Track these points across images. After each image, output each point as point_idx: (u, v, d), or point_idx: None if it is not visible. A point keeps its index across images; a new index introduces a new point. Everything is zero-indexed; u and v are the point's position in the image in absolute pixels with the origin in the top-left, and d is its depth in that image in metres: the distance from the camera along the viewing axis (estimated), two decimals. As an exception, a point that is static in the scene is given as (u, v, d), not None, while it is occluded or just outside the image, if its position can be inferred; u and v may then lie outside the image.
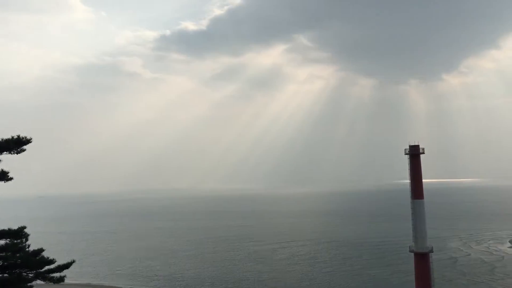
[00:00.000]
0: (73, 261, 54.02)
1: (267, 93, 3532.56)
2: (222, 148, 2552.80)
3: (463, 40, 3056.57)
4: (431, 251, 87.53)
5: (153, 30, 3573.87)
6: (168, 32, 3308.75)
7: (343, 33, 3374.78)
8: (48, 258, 50.99)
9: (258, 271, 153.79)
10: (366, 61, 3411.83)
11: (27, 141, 49.29)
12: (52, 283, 52.07)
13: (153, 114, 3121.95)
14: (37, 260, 50.54)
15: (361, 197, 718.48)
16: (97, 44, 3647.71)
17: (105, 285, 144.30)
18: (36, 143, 52.75)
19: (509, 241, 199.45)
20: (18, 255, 49.85)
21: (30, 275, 50.87)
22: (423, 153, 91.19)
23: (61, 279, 51.40)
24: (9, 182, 50.50)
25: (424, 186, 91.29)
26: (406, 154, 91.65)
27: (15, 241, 50.48)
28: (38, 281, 52.07)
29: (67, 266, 52.65)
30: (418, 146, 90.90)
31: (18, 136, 48.67)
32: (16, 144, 48.71)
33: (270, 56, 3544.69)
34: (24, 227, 51.42)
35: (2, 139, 47.95)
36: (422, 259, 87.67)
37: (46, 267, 51.10)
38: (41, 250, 52.22)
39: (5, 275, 49.64)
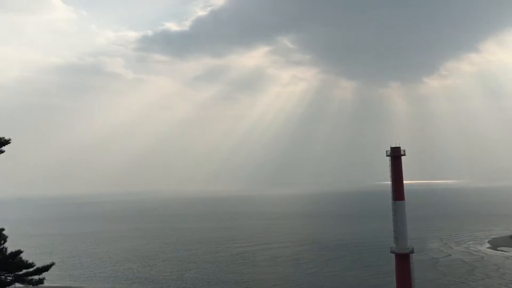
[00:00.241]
0: (53, 264, 53.35)
1: (251, 94, 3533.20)
2: (205, 149, 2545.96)
3: (443, 43, 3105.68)
4: (412, 251, 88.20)
5: (135, 31, 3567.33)
6: (150, 33, 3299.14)
7: (324, 36, 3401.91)
8: (27, 260, 50.27)
9: (240, 273, 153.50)
10: (347, 64, 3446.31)
11: (6, 142, 48.56)
12: (31, 285, 51.30)
13: (135, 115, 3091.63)
14: (15, 262, 49.73)
15: (342, 198, 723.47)
16: (78, 44, 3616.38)
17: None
18: (16, 144, 51.95)
19: (488, 242, 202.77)
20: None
21: (9, 278, 50.04)
22: (404, 154, 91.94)
23: (40, 281, 50.72)
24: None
25: (405, 188, 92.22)
26: (387, 155, 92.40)
27: (-7, 243, 49.57)
28: (17, 284, 51.26)
29: (46, 268, 51.88)
30: (399, 148, 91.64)
31: (-3, 137, 47.89)
32: (-6, 145, 47.89)
33: (253, 58, 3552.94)
34: (2, 229, 50.63)
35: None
36: (403, 260, 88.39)
37: (25, 270, 50.32)
38: (19, 252, 51.33)
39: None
